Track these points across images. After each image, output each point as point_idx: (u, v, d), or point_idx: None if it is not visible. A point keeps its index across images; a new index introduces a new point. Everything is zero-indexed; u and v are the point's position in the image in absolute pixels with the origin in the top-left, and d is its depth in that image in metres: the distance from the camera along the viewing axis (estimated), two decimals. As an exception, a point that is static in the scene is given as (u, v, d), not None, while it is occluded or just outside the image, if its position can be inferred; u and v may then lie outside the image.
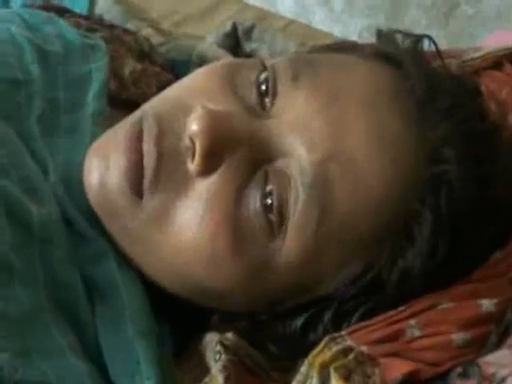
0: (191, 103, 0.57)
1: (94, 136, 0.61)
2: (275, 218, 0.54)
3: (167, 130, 0.56)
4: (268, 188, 0.55)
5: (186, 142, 0.56)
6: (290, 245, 0.55)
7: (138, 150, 0.56)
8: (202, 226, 0.55)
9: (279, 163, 0.55)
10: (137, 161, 0.55)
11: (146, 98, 0.65)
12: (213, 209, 0.55)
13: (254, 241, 0.55)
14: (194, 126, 0.55)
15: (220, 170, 0.55)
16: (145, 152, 0.55)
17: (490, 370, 0.54)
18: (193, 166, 0.55)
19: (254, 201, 0.55)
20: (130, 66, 0.75)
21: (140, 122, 0.57)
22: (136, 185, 0.56)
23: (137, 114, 0.60)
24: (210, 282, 0.57)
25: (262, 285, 0.57)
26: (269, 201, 0.55)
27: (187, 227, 0.55)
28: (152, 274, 0.59)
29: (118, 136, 0.58)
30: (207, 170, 0.55)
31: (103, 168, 0.57)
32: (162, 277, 0.59)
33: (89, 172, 0.58)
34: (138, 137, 0.56)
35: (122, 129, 0.58)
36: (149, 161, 0.55)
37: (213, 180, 0.55)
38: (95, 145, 0.59)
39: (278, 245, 0.55)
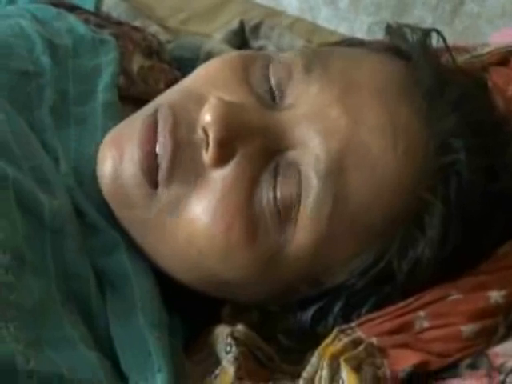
0: (205, 94, 0.58)
1: (106, 129, 0.62)
2: (284, 209, 0.55)
3: (182, 120, 0.57)
4: (279, 179, 0.55)
5: (200, 132, 0.56)
6: (301, 235, 0.55)
7: (153, 140, 0.56)
8: (216, 216, 0.55)
9: (291, 153, 0.56)
10: (151, 151, 0.56)
11: (154, 94, 0.66)
12: (227, 199, 0.55)
13: (267, 231, 0.55)
14: (207, 116, 0.55)
15: (234, 161, 0.56)
16: (160, 142, 0.56)
17: (499, 361, 0.54)
18: (207, 156, 0.56)
19: (265, 192, 0.55)
20: (138, 63, 0.75)
21: (155, 113, 0.58)
22: (151, 175, 0.56)
23: (151, 106, 0.60)
24: (222, 272, 0.57)
25: (274, 275, 0.57)
26: (279, 192, 0.55)
27: (201, 217, 0.56)
28: (164, 263, 0.59)
29: (132, 127, 0.58)
30: (221, 160, 0.55)
31: (117, 158, 0.58)
32: (174, 267, 0.59)
33: (102, 162, 0.58)
34: (152, 128, 0.57)
35: (136, 120, 0.59)
36: (164, 151, 0.56)
37: (227, 170, 0.56)
38: (109, 136, 0.60)
39: (290, 235, 0.56)
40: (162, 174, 0.56)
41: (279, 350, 0.59)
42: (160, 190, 0.56)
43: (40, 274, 0.53)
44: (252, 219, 0.55)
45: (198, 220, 0.56)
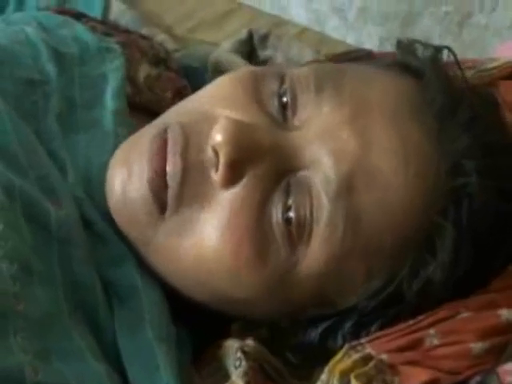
0: (216, 113, 0.57)
1: (117, 135, 0.62)
2: (295, 230, 0.55)
3: (192, 141, 0.56)
4: (290, 200, 0.55)
5: (210, 152, 0.56)
6: (312, 256, 0.55)
7: (163, 160, 0.56)
8: (225, 237, 0.55)
9: (302, 174, 0.56)
10: (161, 171, 0.56)
11: (160, 103, 0.66)
12: (236, 220, 0.55)
13: (276, 252, 0.55)
14: (217, 136, 0.55)
15: (243, 181, 0.55)
16: (170, 163, 0.56)
17: (509, 379, 0.54)
18: (216, 176, 0.55)
19: (275, 213, 0.55)
20: (144, 71, 0.75)
21: (164, 132, 0.57)
22: (159, 196, 0.56)
23: (159, 122, 0.60)
24: (232, 291, 0.57)
25: (284, 295, 0.57)
26: (290, 214, 0.55)
27: (210, 238, 0.55)
28: (172, 281, 0.59)
29: (141, 145, 0.58)
30: (231, 180, 0.55)
31: (126, 177, 0.57)
32: (183, 285, 0.59)
33: (111, 180, 0.58)
34: (162, 147, 0.56)
35: (145, 137, 0.58)
36: (174, 174, 0.55)
37: (236, 191, 0.55)
38: (117, 154, 0.60)
39: (301, 256, 0.55)
40: (171, 198, 0.56)
41: (288, 366, 0.58)
42: (168, 213, 0.56)
43: (47, 283, 0.53)
44: (262, 239, 0.55)
45: (207, 240, 0.55)
